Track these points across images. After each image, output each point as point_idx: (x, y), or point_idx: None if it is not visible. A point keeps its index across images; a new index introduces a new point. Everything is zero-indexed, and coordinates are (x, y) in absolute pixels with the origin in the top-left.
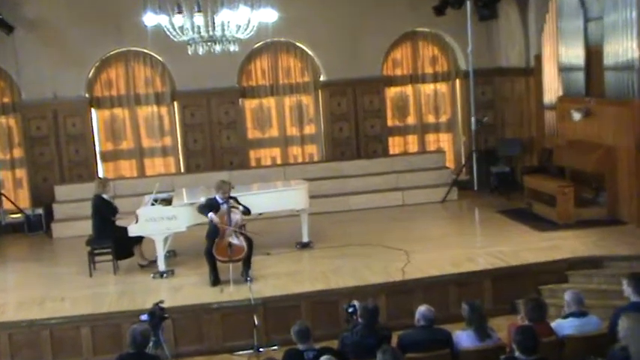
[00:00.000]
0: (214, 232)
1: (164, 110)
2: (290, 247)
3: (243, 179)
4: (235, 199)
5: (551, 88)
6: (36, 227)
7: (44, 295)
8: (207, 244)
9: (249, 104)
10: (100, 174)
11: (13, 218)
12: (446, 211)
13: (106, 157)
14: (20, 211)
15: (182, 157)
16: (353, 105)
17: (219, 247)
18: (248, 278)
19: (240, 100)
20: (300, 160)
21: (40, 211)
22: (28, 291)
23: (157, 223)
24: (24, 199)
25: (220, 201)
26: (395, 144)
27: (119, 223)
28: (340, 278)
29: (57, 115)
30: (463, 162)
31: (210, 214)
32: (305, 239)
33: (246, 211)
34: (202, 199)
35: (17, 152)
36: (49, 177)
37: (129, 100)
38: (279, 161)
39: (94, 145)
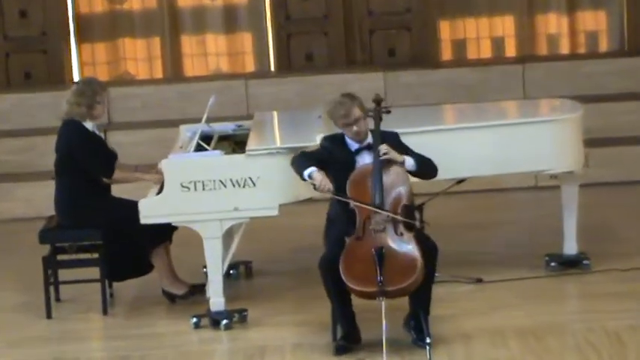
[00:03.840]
0: (344, 225)
1: None
2: (532, 266)
3: (420, 93)
4: (396, 137)
5: None
6: None
7: None
8: (326, 250)
9: None
10: (76, 72)
11: None
12: None
13: (90, 30)
14: None
15: (272, 35)
16: None
17: (355, 258)
18: (427, 338)
19: None
20: (562, 48)
21: None
22: None
23: (209, 194)
24: None
25: (354, 145)
26: None
27: (117, 191)
28: None
29: None
30: None
31: (310, 171)
32: (569, 248)
33: (424, 169)
34: (318, 139)
35: None
36: None
37: None
38: (510, 49)
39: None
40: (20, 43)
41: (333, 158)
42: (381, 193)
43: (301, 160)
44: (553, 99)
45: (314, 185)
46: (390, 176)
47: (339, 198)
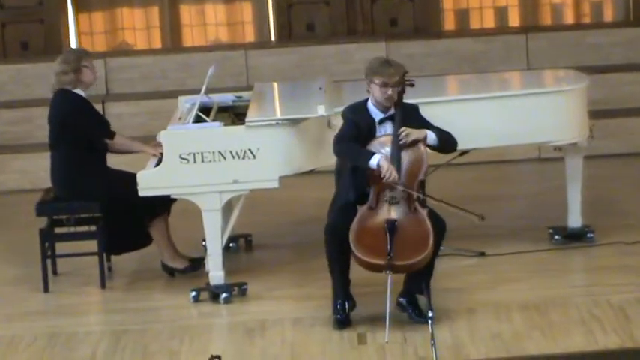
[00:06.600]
0: (353, 196)
1: None
2: (535, 239)
3: (422, 63)
4: (416, 110)
5: None
6: None
7: None
8: (331, 218)
9: None
10: (74, 42)
11: None
12: None
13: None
14: None
15: (272, 4)
16: None
17: (366, 228)
18: (429, 311)
19: None
20: (567, 18)
21: None
22: None
23: (208, 166)
24: None
25: (378, 115)
26: None
27: (115, 163)
28: None
29: None
30: None
31: (379, 159)
32: (573, 221)
33: (445, 143)
34: (321, 111)
35: None
36: None
37: None
38: (513, 19)
39: None
40: (17, 13)
41: (360, 130)
42: (398, 167)
43: (350, 147)
44: (557, 69)
45: (380, 174)
46: (409, 151)
47: (405, 189)
